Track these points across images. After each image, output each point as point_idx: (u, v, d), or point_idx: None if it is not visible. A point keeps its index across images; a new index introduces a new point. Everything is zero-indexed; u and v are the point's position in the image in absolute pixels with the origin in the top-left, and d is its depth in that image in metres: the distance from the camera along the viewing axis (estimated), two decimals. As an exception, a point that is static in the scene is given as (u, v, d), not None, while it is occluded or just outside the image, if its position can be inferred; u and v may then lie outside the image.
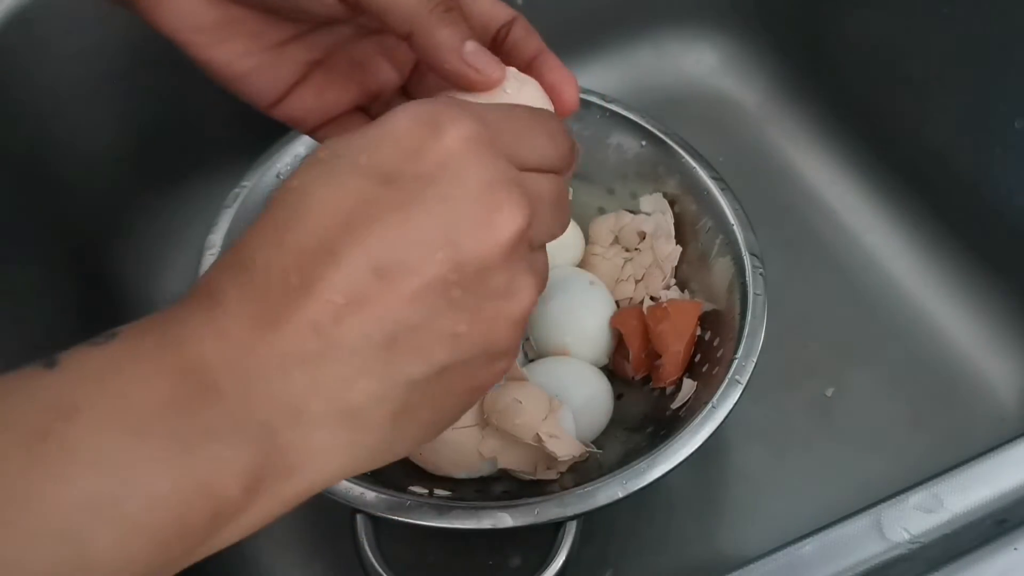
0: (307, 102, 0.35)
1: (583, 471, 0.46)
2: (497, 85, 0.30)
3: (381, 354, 0.24)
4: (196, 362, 0.23)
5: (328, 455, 0.24)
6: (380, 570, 0.40)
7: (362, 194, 0.24)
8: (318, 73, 0.35)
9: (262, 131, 0.50)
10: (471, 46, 0.30)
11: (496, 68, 0.31)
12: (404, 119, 0.25)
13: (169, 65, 0.58)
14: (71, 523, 0.21)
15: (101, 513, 0.21)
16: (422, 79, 0.37)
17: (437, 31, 0.30)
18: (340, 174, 0.24)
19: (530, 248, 0.27)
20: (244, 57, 0.34)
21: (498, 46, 0.34)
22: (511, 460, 0.45)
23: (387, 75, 0.36)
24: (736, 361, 0.44)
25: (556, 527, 0.41)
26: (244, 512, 0.23)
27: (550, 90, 0.33)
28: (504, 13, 0.34)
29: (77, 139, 0.57)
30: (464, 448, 0.45)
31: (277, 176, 0.50)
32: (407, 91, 0.37)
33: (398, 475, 0.44)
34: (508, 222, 0.25)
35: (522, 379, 0.46)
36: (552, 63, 0.34)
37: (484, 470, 0.46)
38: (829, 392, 0.56)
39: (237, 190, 0.49)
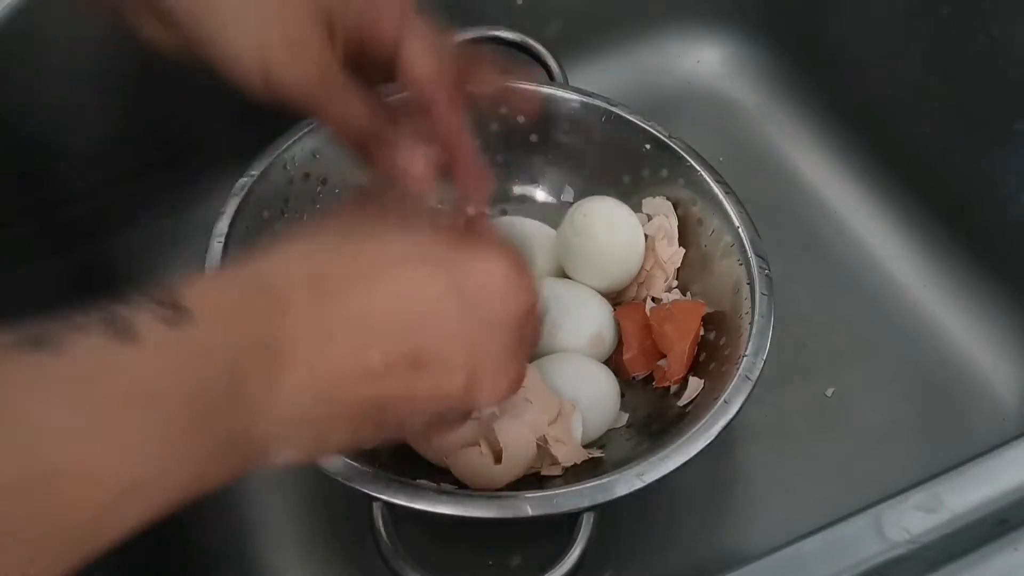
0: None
1: (587, 469, 0.46)
2: None
3: (370, 414, 0.29)
4: (242, 371, 0.26)
5: (282, 460, 0.29)
6: (397, 555, 0.40)
7: (443, 300, 0.30)
8: None
9: (265, 127, 0.50)
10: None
11: None
12: (502, 269, 0.32)
13: (171, 62, 0.58)
14: (115, 494, 0.23)
15: (137, 493, 0.24)
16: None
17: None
18: (436, 278, 0.30)
19: None
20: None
21: None
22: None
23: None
24: (746, 358, 0.44)
25: (571, 521, 0.41)
26: (220, 485, 0.27)
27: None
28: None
29: (80, 132, 0.57)
30: (467, 437, 0.45)
31: (284, 167, 0.51)
32: None
33: (405, 469, 0.44)
34: (512, 388, 0.33)
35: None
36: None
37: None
38: (829, 392, 0.56)
39: (245, 179, 0.49)
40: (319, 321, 0.27)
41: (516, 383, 0.33)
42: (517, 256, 0.33)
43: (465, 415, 0.35)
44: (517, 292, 0.32)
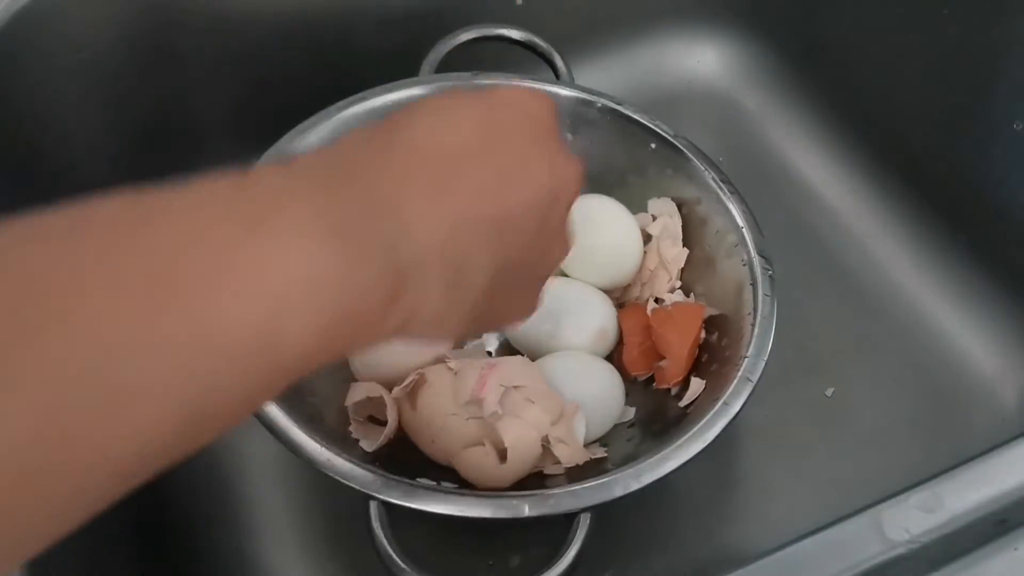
0: None
1: (589, 468, 0.46)
2: None
3: (492, 241, 0.31)
4: (364, 199, 0.28)
5: (429, 304, 0.30)
6: (393, 555, 0.40)
7: (489, 118, 0.32)
8: None
9: (262, 130, 0.50)
10: None
11: None
12: (516, 88, 0.36)
13: (170, 63, 0.59)
14: (277, 295, 0.24)
15: (298, 293, 0.25)
16: None
17: None
18: (472, 106, 0.33)
19: None
20: None
21: None
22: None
23: None
24: (747, 359, 0.44)
25: (568, 521, 0.41)
26: (373, 324, 0.28)
27: None
28: None
29: (80, 129, 0.57)
30: (470, 437, 0.45)
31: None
32: None
33: (407, 467, 0.44)
34: (577, 165, 0.35)
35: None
36: None
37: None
38: (829, 392, 0.56)
39: None
40: (411, 161, 0.30)
41: (576, 161, 0.35)
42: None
43: (565, 213, 0.35)
44: (538, 96, 0.35)
